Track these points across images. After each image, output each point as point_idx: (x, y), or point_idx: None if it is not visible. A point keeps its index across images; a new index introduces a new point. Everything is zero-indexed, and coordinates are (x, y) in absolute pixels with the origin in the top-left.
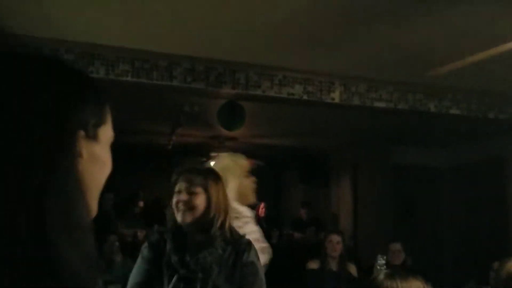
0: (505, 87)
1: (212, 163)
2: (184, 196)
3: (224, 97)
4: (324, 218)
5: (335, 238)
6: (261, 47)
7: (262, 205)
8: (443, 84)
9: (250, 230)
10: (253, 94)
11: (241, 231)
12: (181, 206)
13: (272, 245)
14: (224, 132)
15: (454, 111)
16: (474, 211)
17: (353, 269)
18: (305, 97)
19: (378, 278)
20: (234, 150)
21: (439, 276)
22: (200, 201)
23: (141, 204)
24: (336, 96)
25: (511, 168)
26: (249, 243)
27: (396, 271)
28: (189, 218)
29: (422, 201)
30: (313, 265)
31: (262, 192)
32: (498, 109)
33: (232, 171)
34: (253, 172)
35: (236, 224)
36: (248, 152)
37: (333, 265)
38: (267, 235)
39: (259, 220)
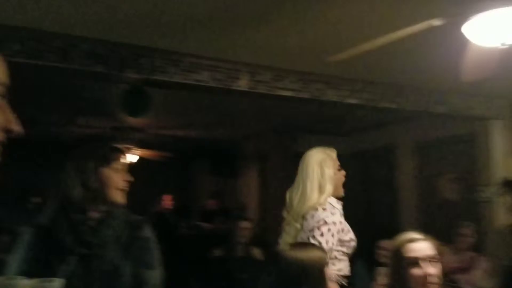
0: (395, 78)
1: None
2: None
3: (128, 83)
4: (233, 208)
5: (243, 224)
6: (166, 31)
7: (168, 197)
8: (341, 74)
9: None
10: (159, 79)
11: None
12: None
13: (180, 236)
14: (129, 122)
15: (351, 100)
16: (371, 195)
17: (258, 253)
18: (212, 84)
19: (282, 248)
20: (140, 141)
21: None
22: None
23: (37, 199)
24: (243, 84)
25: (400, 154)
26: (143, 220)
27: (298, 243)
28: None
29: None
30: (220, 252)
31: (169, 184)
32: (390, 99)
33: (328, 164)
34: (160, 164)
35: (325, 214)
36: (155, 143)
37: (240, 251)
38: (174, 227)
39: (165, 212)
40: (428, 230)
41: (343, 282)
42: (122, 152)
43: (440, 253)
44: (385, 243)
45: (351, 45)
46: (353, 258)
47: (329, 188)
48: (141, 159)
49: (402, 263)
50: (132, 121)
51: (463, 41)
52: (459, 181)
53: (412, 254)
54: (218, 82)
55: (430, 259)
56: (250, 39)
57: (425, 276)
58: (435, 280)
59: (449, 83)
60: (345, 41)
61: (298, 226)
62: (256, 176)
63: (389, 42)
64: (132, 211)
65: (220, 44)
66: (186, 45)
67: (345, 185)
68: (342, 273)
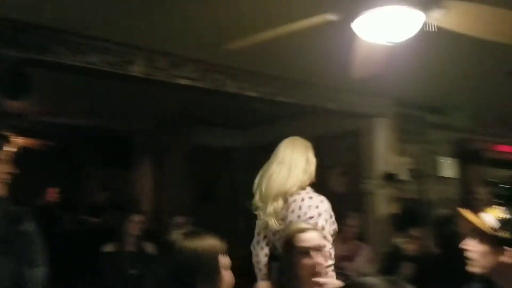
0: (291, 73)
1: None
2: None
3: (6, 61)
4: (125, 202)
5: (135, 218)
6: (52, 5)
7: (53, 190)
8: (241, 66)
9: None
10: (44, 59)
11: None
12: None
13: (66, 231)
14: (9, 106)
15: (251, 93)
16: None
17: (150, 248)
18: (103, 67)
19: (174, 238)
20: (22, 129)
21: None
22: None
23: None
24: (137, 69)
25: None
26: (24, 212)
27: (191, 230)
28: None
29: (222, 181)
30: (109, 248)
31: (56, 176)
32: (286, 94)
33: (312, 152)
34: (45, 154)
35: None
36: (39, 131)
37: (131, 246)
38: (59, 221)
39: (50, 206)
40: None
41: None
42: (6, 140)
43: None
44: None
45: (248, 35)
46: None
47: (312, 174)
48: (23, 148)
49: (294, 253)
50: (12, 105)
51: (353, 38)
52: (346, 175)
53: (303, 244)
54: (110, 66)
55: (319, 249)
56: (147, 22)
57: (314, 266)
58: (324, 269)
59: (339, 80)
60: (243, 30)
61: (278, 207)
62: (151, 168)
63: (286, 34)
64: (14, 205)
65: (113, 24)
66: (75, 23)
67: (242, 179)
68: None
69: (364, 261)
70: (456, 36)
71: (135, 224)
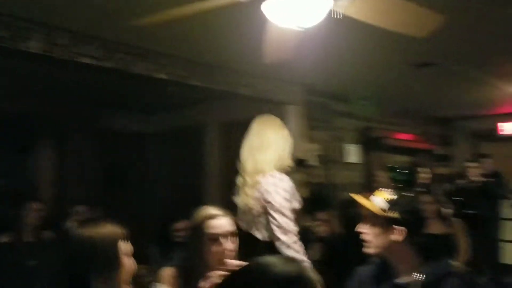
0: (204, 57)
1: None
2: None
3: None
4: (22, 188)
5: (33, 206)
6: None
7: None
8: (150, 46)
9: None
10: None
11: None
12: None
13: None
14: None
15: (160, 75)
16: (179, 175)
17: (50, 238)
18: None
19: (69, 226)
20: None
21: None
22: None
23: None
24: (35, 45)
25: (208, 134)
26: None
27: (88, 218)
28: None
29: (131, 166)
30: (5, 238)
31: None
32: (199, 77)
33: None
34: None
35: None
36: None
37: (29, 236)
38: None
39: None
40: (233, 210)
41: None
42: None
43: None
44: (180, 224)
45: (154, 12)
46: (148, 243)
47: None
48: None
49: (203, 239)
50: None
51: (263, 22)
52: None
53: (213, 230)
54: (3, 41)
55: (229, 235)
56: None
57: (223, 252)
58: (233, 255)
59: (251, 65)
60: (149, 7)
61: (253, 187)
62: (52, 153)
63: (193, 13)
64: None
65: None
66: None
67: (152, 165)
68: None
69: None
70: (362, 26)
71: (33, 212)
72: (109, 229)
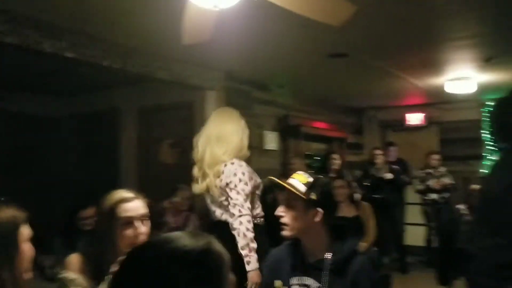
0: (119, 37)
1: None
2: None
3: None
4: None
5: None
6: None
7: None
8: (59, 23)
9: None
10: None
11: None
12: None
13: None
14: None
15: (71, 54)
16: (92, 160)
17: None
18: None
19: None
20: None
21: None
22: None
23: None
24: None
25: (123, 118)
26: None
27: None
28: None
29: (39, 151)
30: None
31: None
32: (112, 58)
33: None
34: None
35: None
36: None
37: None
38: None
39: None
40: (150, 195)
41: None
42: None
43: (160, 213)
44: (88, 211)
45: None
46: (51, 235)
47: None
48: None
49: (116, 224)
50: None
51: (181, 1)
52: (177, 146)
53: (126, 214)
54: None
55: (142, 218)
56: None
57: (137, 236)
58: (145, 238)
59: (171, 48)
60: None
61: (213, 175)
62: None
63: None
64: None
65: None
66: None
67: (63, 151)
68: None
69: (192, 230)
70: (281, 12)
71: None
72: (9, 213)
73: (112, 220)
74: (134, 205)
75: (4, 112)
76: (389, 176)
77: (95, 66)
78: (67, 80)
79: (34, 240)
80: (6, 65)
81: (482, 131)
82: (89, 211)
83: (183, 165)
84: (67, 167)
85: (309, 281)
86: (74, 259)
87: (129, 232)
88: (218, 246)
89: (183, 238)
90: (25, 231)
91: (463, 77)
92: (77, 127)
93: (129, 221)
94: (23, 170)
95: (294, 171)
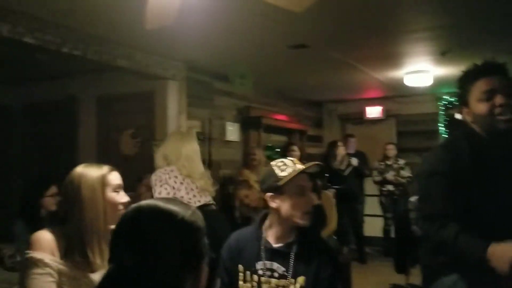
0: (78, 23)
1: None
2: None
3: None
4: None
5: None
6: None
7: None
8: (15, 7)
9: None
10: None
11: None
12: None
13: None
14: None
15: (28, 39)
16: (49, 151)
17: None
18: None
19: None
20: None
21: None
22: None
23: None
24: None
25: (82, 108)
26: None
27: None
28: None
29: None
30: None
31: None
32: (72, 44)
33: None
34: None
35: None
36: None
37: None
38: None
39: None
40: None
41: None
42: None
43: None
44: (50, 190)
45: None
46: (11, 222)
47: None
48: None
49: (105, 192)
50: None
51: None
52: (138, 136)
53: (117, 182)
54: None
55: (120, 189)
56: None
57: (123, 204)
58: (123, 208)
59: (131, 37)
60: None
61: None
62: None
63: None
64: None
65: None
66: None
67: (16, 141)
68: None
69: None
70: (243, 4)
71: None
72: None
73: (102, 188)
74: (117, 175)
75: None
76: (354, 161)
77: (53, 52)
78: (22, 68)
79: None
80: None
81: (438, 124)
82: (52, 190)
83: (144, 155)
84: (23, 158)
85: (274, 265)
86: (43, 236)
87: (119, 197)
88: (197, 212)
89: (165, 203)
90: None
91: (420, 70)
92: (33, 116)
93: (119, 188)
94: None
95: (256, 162)
